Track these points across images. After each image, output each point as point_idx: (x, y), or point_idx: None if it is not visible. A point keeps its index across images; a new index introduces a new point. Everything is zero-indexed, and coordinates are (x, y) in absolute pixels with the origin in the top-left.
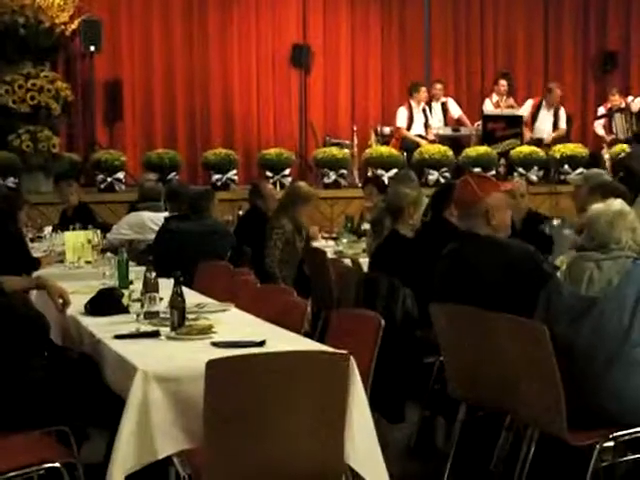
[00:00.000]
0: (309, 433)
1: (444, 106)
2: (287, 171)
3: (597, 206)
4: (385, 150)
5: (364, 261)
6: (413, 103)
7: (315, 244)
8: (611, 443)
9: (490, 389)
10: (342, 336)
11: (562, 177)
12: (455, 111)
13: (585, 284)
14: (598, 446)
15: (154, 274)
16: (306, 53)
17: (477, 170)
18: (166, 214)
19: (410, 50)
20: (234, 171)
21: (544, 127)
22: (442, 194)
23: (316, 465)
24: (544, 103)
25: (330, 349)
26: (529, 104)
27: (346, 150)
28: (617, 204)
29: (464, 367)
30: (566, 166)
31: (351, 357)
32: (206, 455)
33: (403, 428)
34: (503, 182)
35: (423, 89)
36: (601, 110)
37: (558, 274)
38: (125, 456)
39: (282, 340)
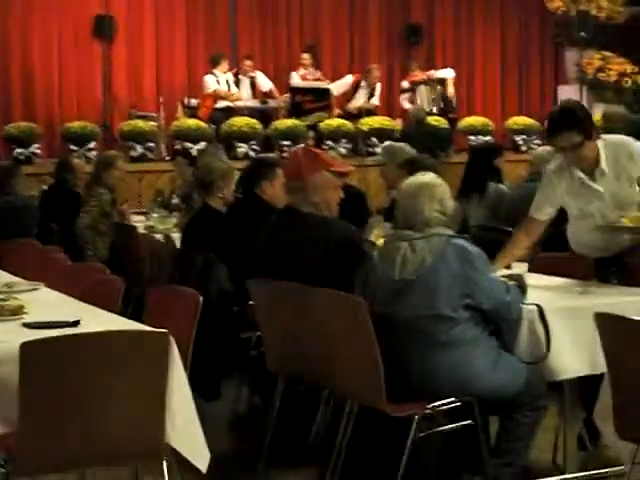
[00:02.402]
0: (129, 414)
1: (253, 80)
2: (92, 144)
3: (407, 180)
4: (193, 122)
5: (177, 236)
6: (218, 73)
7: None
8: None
9: (309, 364)
10: (160, 314)
11: (370, 150)
12: (265, 84)
13: (399, 265)
14: (417, 417)
15: None
16: (109, 24)
17: (286, 143)
18: None
19: (216, 22)
20: (37, 145)
21: (359, 104)
22: (253, 170)
23: (136, 446)
24: (363, 83)
25: (148, 328)
26: (348, 79)
27: (153, 123)
28: (425, 177)
29: (283, 342)
30: (374, 139)
31: (170, 336)
32: (21, 439)
33: (220, 405)
34: (339, 162)
35: (225, 61)
36: (405, 84)
37: (375, 252)
38: None
39: (97, 320)
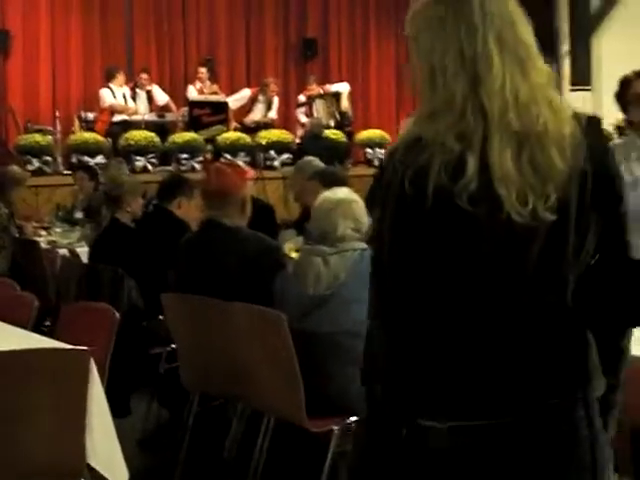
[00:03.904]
0: (49, 433)
1: (149, 94)
2: None
3: (324, 195)
4: (90, 136)
5: (82, 251)
6: (114, 86)
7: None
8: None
9: (227, 379)
10: (75, 331)
11: (268, 163)
12: (161, 98)
13: (312, 280)
14: (336, 432)
15: None
16: (4, 37)
17: (184, 156)
18: None
19: (112, 35)
20: None
21: (257, 117)
22: (171, 185)
23: (55, 466)
24: (260, 96)
25: (67, 346)
26: (246, 93)
27: (49, 136)
28: (340, 194)
29: (200, 358)
30: (272, 152)
31: (90, 353)
32: None
33: (130, 421)
34: (243, 169)
35: (120, 74)
36: (301, 98)
37: (289, 265)
38: None
39: (11, 337)
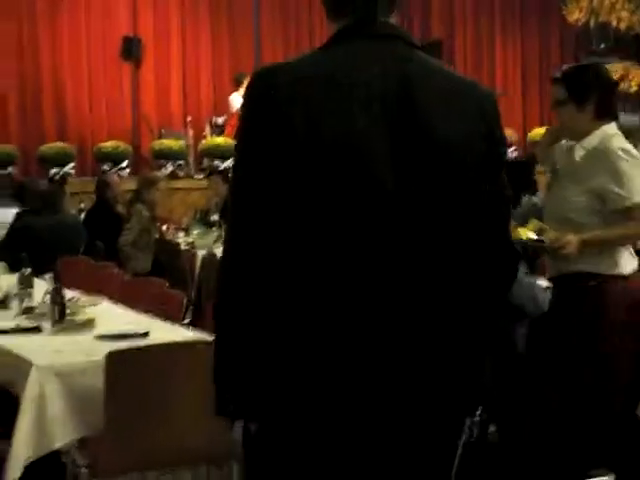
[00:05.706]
0: (203, 419)
1: None
2: (124, 163)
3: None
4: (221, 140)
5: (220, 252)
6: (243, 91)
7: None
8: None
9: None
10: None
11: None
12: None
13: None
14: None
15: (29, 270)
16: (137, 45)
17: None
18: (15, 210)
19: (240, 40)
20: (71, 164)
21: None
22: None
23: (208, 451)
24: None
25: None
26: None
27: (182, 141)
28: None
29: None
30: None
31: None
32: (105, 443)
33: None
34: None
35: (248, 79)
36: None
37: None
38: (23, 448)
39: (164, 331)
